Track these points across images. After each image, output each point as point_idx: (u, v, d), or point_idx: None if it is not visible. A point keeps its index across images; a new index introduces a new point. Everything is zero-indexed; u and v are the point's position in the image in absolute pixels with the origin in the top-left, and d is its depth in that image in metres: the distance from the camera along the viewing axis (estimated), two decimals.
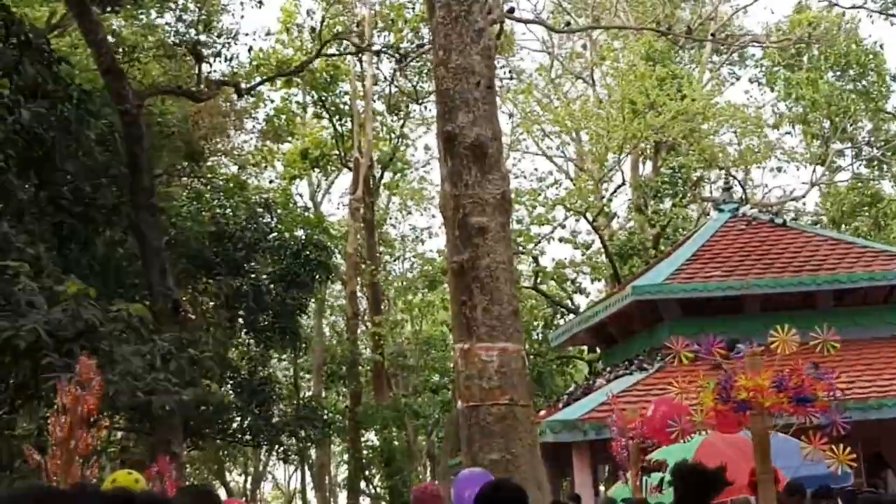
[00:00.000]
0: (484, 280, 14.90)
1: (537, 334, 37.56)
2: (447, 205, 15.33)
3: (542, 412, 23.34)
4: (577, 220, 37.31)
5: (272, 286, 28.71)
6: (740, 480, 11.18)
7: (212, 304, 28.51)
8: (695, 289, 22.89)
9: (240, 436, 30.23)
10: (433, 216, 44.64)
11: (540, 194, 34.74)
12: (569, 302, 38.76)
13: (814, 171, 39.82)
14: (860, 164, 41.44)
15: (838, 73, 40.23)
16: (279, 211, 31.68)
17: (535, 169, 35.93)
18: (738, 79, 44.72)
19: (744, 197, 27.82)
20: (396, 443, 37.39)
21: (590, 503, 20.95)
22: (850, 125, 39.49)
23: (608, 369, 24.88)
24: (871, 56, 39.53)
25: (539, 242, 35.85)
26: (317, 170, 42.97)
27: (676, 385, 7.77)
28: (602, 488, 26.21)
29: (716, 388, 7.33)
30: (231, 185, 29.60)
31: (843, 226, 34.21)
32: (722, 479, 10.52)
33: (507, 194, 15.75)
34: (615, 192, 38.24)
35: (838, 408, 7.48)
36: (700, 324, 23.41)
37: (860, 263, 23.46)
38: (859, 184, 38.09)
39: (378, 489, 42.29)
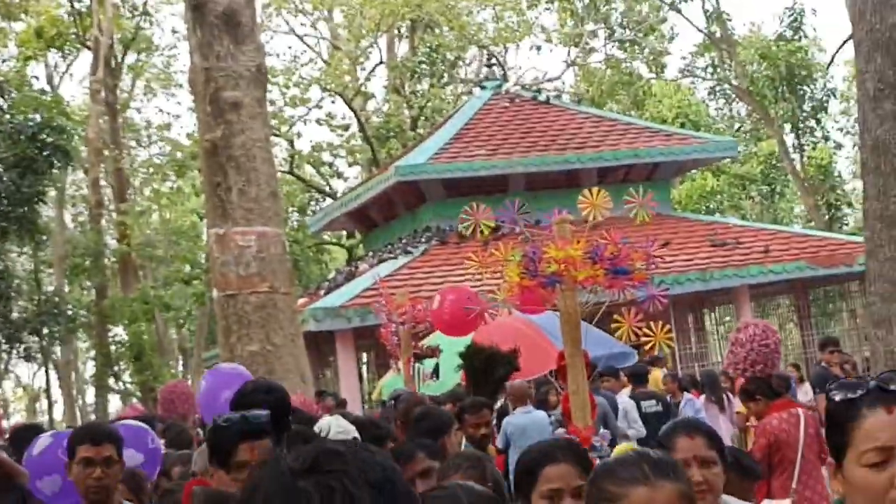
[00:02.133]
0: (239, 159, 13.73)
1: (293, 221, 36.30)
2: (197, 79, 13.98)
3: (302, 300, 22.25)
4: (334, 101, 36.07)
5: (5, 173, 26.46)
6: (535, 363, 10.34)
7: None
8: (459, 168, 22.14)
9: None
10: (179, 102, 42.56)
11: (294, 73, 33.25)
12: (326, 187, 37.63)
13: (568, 52, 39.53)
14: (613, 45, 41.37)
15: None
16: (13, 94, 29.21)
17: (290, 47, 34.51)
18: None
19: (504, 75, 27.00)
20: (146, 337, 35.69)
21: (355, 393, 20.13)
22: (604, 5, 39.23)
23: (370, 254, 23.96)
24: None
25: (294, 125, 34.47)
26: (53, 50, 40.10)
27: (475, 259, 6.71)
28: (364, 376, 25.45)
29: (522, 260, 6.33)
30: None
31: (603, 106, 33.97)
32: (512, 362, 9.62)
33: (262, 67, 14.47)
34: (373, 71, 37.09)
35: (654, 281, 6.61)
36: (464, 204, 22.51)
37: (624, 140, 23.11)
38: (616, 64, 37.98)
39: (128, 385, 40.59)
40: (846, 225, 38.15)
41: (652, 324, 6.46)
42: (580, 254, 6.19)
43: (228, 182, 13.87)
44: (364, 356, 25.63)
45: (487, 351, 9.59)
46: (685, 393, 13.59)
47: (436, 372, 10.76)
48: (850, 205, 44.45)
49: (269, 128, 15.99)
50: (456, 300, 8.24)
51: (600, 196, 6.55)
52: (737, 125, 41.78)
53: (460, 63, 39.28)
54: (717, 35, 33.98)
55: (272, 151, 15.66)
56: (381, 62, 36.64)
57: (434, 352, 10.48)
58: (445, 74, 36.83)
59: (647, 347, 6.51)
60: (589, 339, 12.87)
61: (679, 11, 34.13)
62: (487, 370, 9.55)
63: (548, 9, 37.83)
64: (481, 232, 6.77)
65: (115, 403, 46.08)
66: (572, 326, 6.49)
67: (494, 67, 26.94)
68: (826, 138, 36.87)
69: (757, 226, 24.77)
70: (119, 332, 38.93)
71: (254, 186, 13.94)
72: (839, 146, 40.74)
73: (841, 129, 42.00)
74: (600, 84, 35.79)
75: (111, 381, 38.36)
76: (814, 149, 34.94)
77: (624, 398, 11.93)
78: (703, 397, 13.38)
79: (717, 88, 40.68)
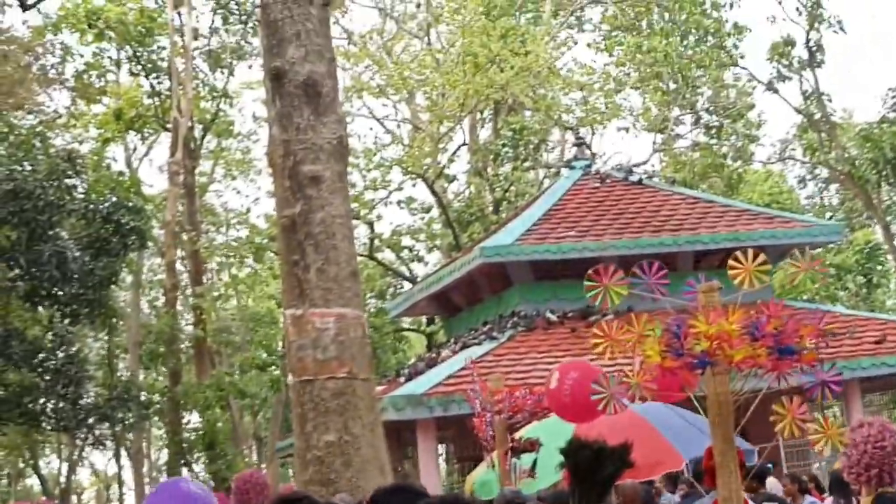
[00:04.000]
0: (318, 237, 12.76)
1: (371, 307, 35.30)
2: (276, 152, 13.10)
3: (380, 388, 21.13)
4: (414, 185, 35.19)
5: (79, 253, 25.74)
6: (640, 462, 9.07)
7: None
8: (548, 250, 21.03)
9: (45, 419, 27.26)
10: (259, 187, 41.96)
11: (375, 154, 32.43)
12: (406, 271, 36.65)
13: (654, 137, 38.54)
14: (699, 132, 40.29)
15: (678, 38, 38.83)
16: (89, 174, 28.64)
17: (371, 128, 33.99)
18: (575, 43, 43.03)
19: (593, 156, 25.95)
20: (220, 425, 34.71)
21: (436, 487, 18.89)
22: (690, 92, 38.22)
23: (452, 340, 22.81)
24: (711, 21, 38.17)
25: (374, 207, 33.59)
26: (133, 132, 39.75)
27: (602, 334, 5.53)
28: (443, 469, 24.21)
29: (663, 336, 5.16)
30: (30, 136, 26.42)
31: (696, 189, 32.76)
32: (624, 459, 8.34)
33: (343, 139, 13.53)
34: (455, 152, 36.21)
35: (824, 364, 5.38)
36: (553, 288, 21.60)
37: (722, 223, 21.89)
38: (704, 150, 36.85)
39: (201, 474, 39.60)
40: None
41: (820, 416, 5.25)
42: (736, 329, 5.00)
43: (307, 260, 12.94)
44: (441, 448, 24.40)
45: (594, 445, 8.33)
46: (806, 496, 12.23)
47: (534, 468, 9.52)
48: None
49: (350, 203, 15.00)
50: (580, 379, 7.03)
51: (756, 262, 5.38)
52: (829, 214, 40.36)
53: (544, 147, 38.33)
54: (817, 117, 32.75)
55: (353, 229, 14.70)
56: (464, 143, 35.77)
57: (533, 445, 9.27)
58: (529, 158, 35.84)
59: (818, 447, 5.24)
60: (697, 432, 11.58)
61: (776, 91, 32.90)
62: (594, 468, 8.30)
63: (636, 87, 36.80)
64: (611, 300, 5.58)
65: None
66: (724, 418, 5.27)
67: (582, 147, 25.84)
68: None
69: (866, 314, 23.33)
70: (193, 418, 38.05)
71: (333, 265, 12.98)
72: None
73: None
74: (692, 167, 34.59)
75: (184, 469, 37.37)
76: None
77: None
78: (829, 499, 11.98)
79: (815, 173, 39.34)
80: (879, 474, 7.92)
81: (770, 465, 13.03)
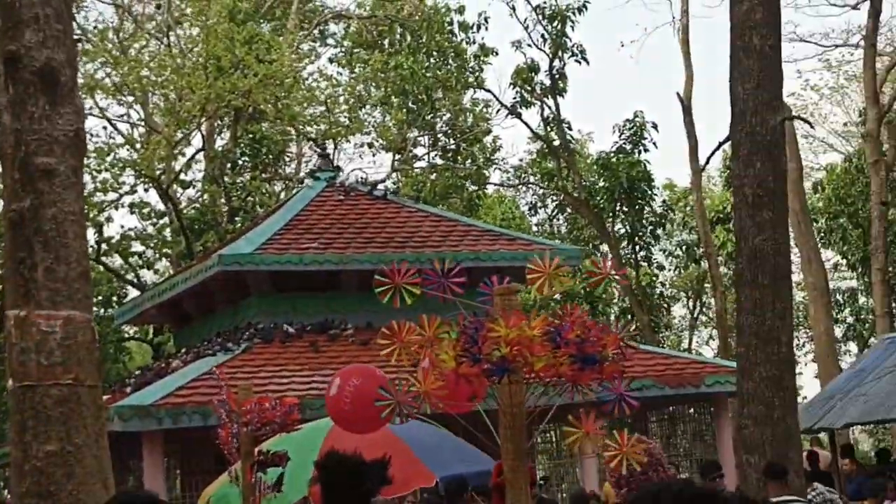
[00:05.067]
0: (48, 234, 11.78)
1: (96, 313, 33.85)
2: (6, 140, 12.12)
3: (106, 397, 20.08)
4: (147, 190, 33.94)
5: None
6: (398, 478, 8.64)
7: None
8: (289, 261, 20.45)
9: None
10: None
11: (108, 153, 31.08)
12: (133, 277, 35.33)
13: (393, 157, 38.49)
14: (437, 154, 40.48)
15: (423, 58, 38.93)
16: None
17: (105, 128, 32.46)
18: (318, 56, 42.65)
19: (337, 167, 25.50)
20: None
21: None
22: (430, 114, 38.33)
23: (184, 350, 21.92)
24: (452, 45, 38.39)
25: (104, 210, 32.21)
26: None
27: (390, 337, 5.06)
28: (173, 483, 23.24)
29: (459, 339, 4.74)
30: None
31: (436, 207, 32.81)
32: (383, 475, 7.89)
33: (81, 132, 12.60)
34: (194, 157, 35.12)
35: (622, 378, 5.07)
36: (292, 300, 21.07)
37: (465, 242, 21.83)
38: (441, 171, 37.01)
39: None
40: (664, 347, 37.59)
41: (616, 433, 4.94)
42: (538, 334, 4.64)
43: (34, 258, 11.85)
44: (167, 462, 23.43)
45: (352, 460, 7.84)
46: None
47: (279, 483, 8.97)
48: (668, 327, 44.21)
49: (84, 201, 14.01)
50: (362, 386, 6.52)
51: (556, 264, 5.03)
52: (557, 241, 41.13)
53: (285, 157, 37.74)
54: (556, 143, 33.28)
55: (86, 228, 13.76)
56: (202, 149, 34.76)
57: (281, 459, 8.71)
58: (269, 168, 35.18)
59: (613, 463, 4.90)
60: (446, 450, 11.30)
61: (519, 116, 33.28)
62: (352, 484, 7.82)
63: (382, 104, 36.68)
64: (402, 299, 5.14)
65: None
66: (516, 432, 4.89)
67: (327, 159, 25.39)
68: (648, 259, 36.34)
69: None
70: None
71: (63, 265, 11.96)
72: (661, 267, 40.44)
73: (663, 251, 41.82)
74: (433, 186, 34.64)
75: None
76: (650, 265, 34.47)
77: None
78: None
79: (545, 200, 40.04)
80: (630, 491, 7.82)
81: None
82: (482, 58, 34.40)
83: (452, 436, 10.94)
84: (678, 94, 31.20)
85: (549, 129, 33.52)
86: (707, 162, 31.88)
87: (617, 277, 5.18)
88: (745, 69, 14.69)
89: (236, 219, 32.77)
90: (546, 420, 5.04)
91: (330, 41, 43.02)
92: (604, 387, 4.97)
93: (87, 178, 30.97)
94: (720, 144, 29.77)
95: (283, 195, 34.33)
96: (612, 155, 32.15)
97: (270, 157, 34.68)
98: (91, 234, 32.98)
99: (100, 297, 34.30)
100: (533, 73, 32.49)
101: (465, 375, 4.72)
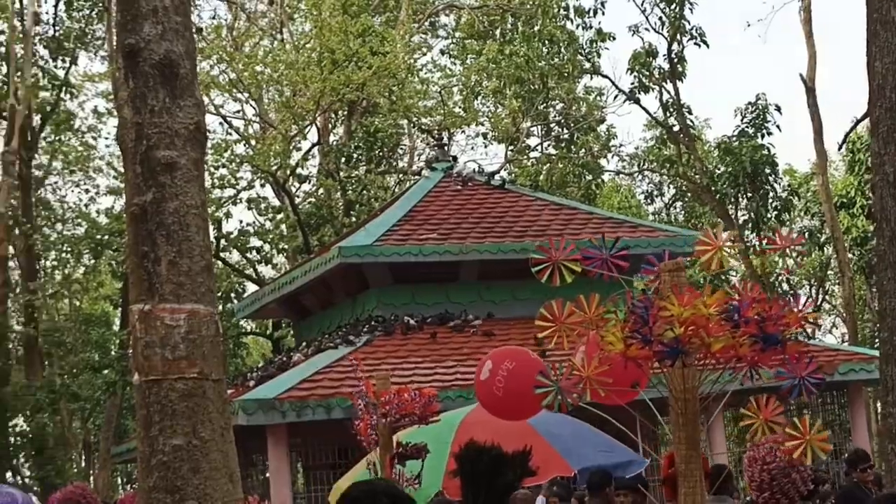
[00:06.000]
0: (171, 227, 11.59)
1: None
2: (127, 135, 11.90)
3: (230, 392, 20.04)
4: (263, 185, 34.03)
5: None
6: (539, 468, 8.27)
7: None
8: (409, 252, 20.20)
9: None
10: (98, 185, 40.26)
11: (226, 149, 31.19)
12: (251, 272, 35.47)
13: (506, 148, 38.10)
14: (549, 144, 40.00)
15: (536, 46, 38.44)
16: None
17: (221, 123, 32.58)
18: (430, 48, 42.43)
19: (454, 158, 25.19)
20: (50, 429, 33.02)
21: (286, 498, 17.95)
22: (543, 104, 37.86)
23: (304, 344, 21.81)
24: (563, 31, 37.83)
25: (222, 205, 32.35)
26: None
27: (548, 318, 4.71)
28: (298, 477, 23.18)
29: (628, 319, 4.37)
30: None
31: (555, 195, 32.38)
32: (524, 466, 7.52)
33: (201, 125, 12.42)
34: (309, 151, 35.13)
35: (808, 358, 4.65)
36: (411, 292, 20.85)
37: (586, 230, 21.36)
38: (565, 157, 36.53)
39: (28, 480, 37.69)
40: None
41: (797, 420, 4.53)
42: (715, 313, 4.25)
43: (157, 252, 11.68)
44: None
45: (492, 452, 7.47)
46: None
47: (418, 476, 8.68)
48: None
49: (206, 194, 13.86)
50: (517, 370, 6.17)
51: (726, 238, 4.65)
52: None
53: (398, 151, 37.61)
54: (675, 129, 32.62)
55: (208, 220, 13.59)
56: (318, 143, 34.75)
57: (420, 451, 8.43)
58: (383, 161, 35.04)
59: (796, 454, 4.50)
60: (585, 442, 10.90)
61: (638, 102, 32.66)
62: (492, 475, 7.45)
63: (496, 92, 36.31)
64: (561, 277, 4.78)
65: None
66: (690, 418, 4.51)
67: (443, 149, 25.12)
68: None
69: None
70: (20, 422, 36.17)
71: (186, 258, 11.79)
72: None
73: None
74: (550, 175, 34.20)
75: (8, 475, 35.49)
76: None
77: None
78: None
79: (661, 189, 39.39)
80: (773, 496, 7.34)
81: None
82: (599, 43, 33.79)
83: (589, 426, 10.56)
84: (801, 75, 30.41)
85: (668, 114, 32.85)
86: (844, 140, 31.03)
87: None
88: (882, 43, 14.03)
89: (352, 213, 32.67)
90: (721, 407, 4.65)
91: (441, 32, 42.81)
92: (778, 372, 4.57)
93: (205, 174, 31.12)
94: (857, 122, 28.87)
95: (396, 189, 34.19)
96: (735, 139, 31.40)
97: (384, 150, 34.50)
98: (210, 230, 33.16)
99: (219, 293, 34.47)
100: (651, 58, 31.85)
101: (633, 359, 4.35)
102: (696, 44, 31.14)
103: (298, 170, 33.60)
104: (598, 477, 9.18)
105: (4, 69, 34.92)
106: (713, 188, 31.08)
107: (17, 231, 34.73)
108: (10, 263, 36.95)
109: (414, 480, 8.62)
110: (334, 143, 35.59)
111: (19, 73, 33.73)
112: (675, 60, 31.37)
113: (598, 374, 4.50)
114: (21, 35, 34.18)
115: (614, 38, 33.66)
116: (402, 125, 36.82)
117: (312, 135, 35.73)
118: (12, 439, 34.47)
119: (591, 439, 10.21)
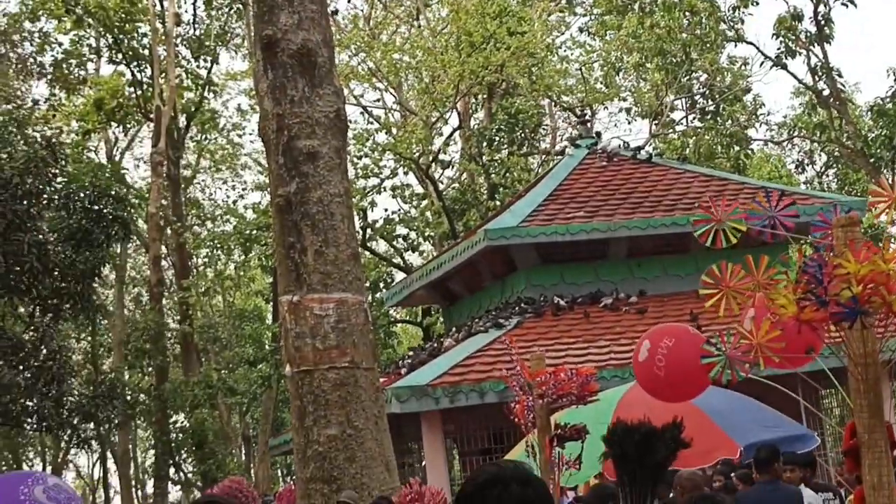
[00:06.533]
0: (316, 217, 11.59)
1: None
2: (268, 126, 11.92)
3: (382, 380, 19.98)
4: (406, 173, 34.02)
5: (59, 246, 24.45)
6: (692, 450, 7.85)
7: None
8: (556, 231, 19.87)
9: (26, 420, 25.95)
10: (245, 182, 40.91)
11: (368, 139, 31.24)
12: (399, 261, 35.51)
13: (650, 122, 37.46)
14: (695, 117, 39.22)
15: (677, 16, 37.63)
16: (69, 166, 27.31)
17: (361, 113, 32.76)
18: (568, 26, 41.90)
19: (598, 134, 24.73)
20: (209, 423, 33.53)
21: (443, 483, 17.76)
22: (686, 76, 37.10)
23: (454, 329, 21.65)
24: (706, 0, 36.98)
25: (367, 195, 32.42)
26: (114, 124, 38.47)
27: (718, 283, 4.37)
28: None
29: (800, 279, 4.01)
30: (6, 123, 25.10)
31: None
32: (676, 439, 7.13)
33: (342, 112, 12.34)
34: (451, 136, 35.00)
35: None
36: (560, 271, 20.51)
37: (739, 200, 20.74)
38: (712, 127, 35.77)
39: (190, 475, 38.39)
40: None
41: None
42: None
43: (303, 242, 11.77)
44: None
45: (641, 429, 7.09)
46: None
47: (578, 459, 8.36)
48: None
49: (349, 181, 13.81)
50: (677, 347, 5.82)
51: None
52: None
53: (540, 131, 37.20)
54: (825, 93, 31.62)
55: (352, 208, 13.48)
56: (459, 127, 34.59)
57: (580, 433, 8.11)
58: (525, 143, 34.71)
59: None
60: (751, 417, 10.43)
61: (785, 67, 31.72)
62: (643, 453, 7.07)
63: (639, 66, 35.67)
64: (726, 239, 4.43)
65: (174, 494, 43.92)
66: (871, 384, 4.13)
67: (587, 125, 24.70)
68: None
69: None
70: (180, 418, 36.87)
71: (332, 247, 11.82)
72: None
73: None
74: (698, 147, 33.49)
75: (171, 470, 36.18)
76: None
77: (809, 492, 9.43)
78: None
79: (812, 157, 38.30)
80: None
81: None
82: (742, 9, 32.92)
83: (751, 399, 10.12)
84: None
85: (816, 79, 31.86)
86: None
87: None
88: None
89: (496, 196, 32.45)
90: None
91: (578, 10, 42.24)
92: None
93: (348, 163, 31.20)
94: None
95: (540, 170, 33.85)
96: (888, 100, 30.31)
97: (526, 131, 34.19)
98: (356, 220, 33.27)
99: (367, 283, 34.57)
100: (797, 21, 30.89)
101: (808, 321, 3.98)
102: (843, 4, 30.11)
103: (441, 155, 33.52)
104: (766, 452, 8.77)
105: (149, 71, 35.54)
106: (867, 152, 30.05)
107: (168, 230, 35.37)
108: (164, 262, 37.70)
109: (574, 462, 8.32)
110: (475, 126, 35.40)
111: (163, 75, 34.32)
112: (822, 22, 30.39)
113: (769, 340, 4.14)
114: (164, 37, 34.76)
115: (757, 3, 32.73)
116: (543, 105, 36.44)
117: (453, 120, 35.64)
118: (173, 435, 35.10)
119: (757, 414, 9.78)
